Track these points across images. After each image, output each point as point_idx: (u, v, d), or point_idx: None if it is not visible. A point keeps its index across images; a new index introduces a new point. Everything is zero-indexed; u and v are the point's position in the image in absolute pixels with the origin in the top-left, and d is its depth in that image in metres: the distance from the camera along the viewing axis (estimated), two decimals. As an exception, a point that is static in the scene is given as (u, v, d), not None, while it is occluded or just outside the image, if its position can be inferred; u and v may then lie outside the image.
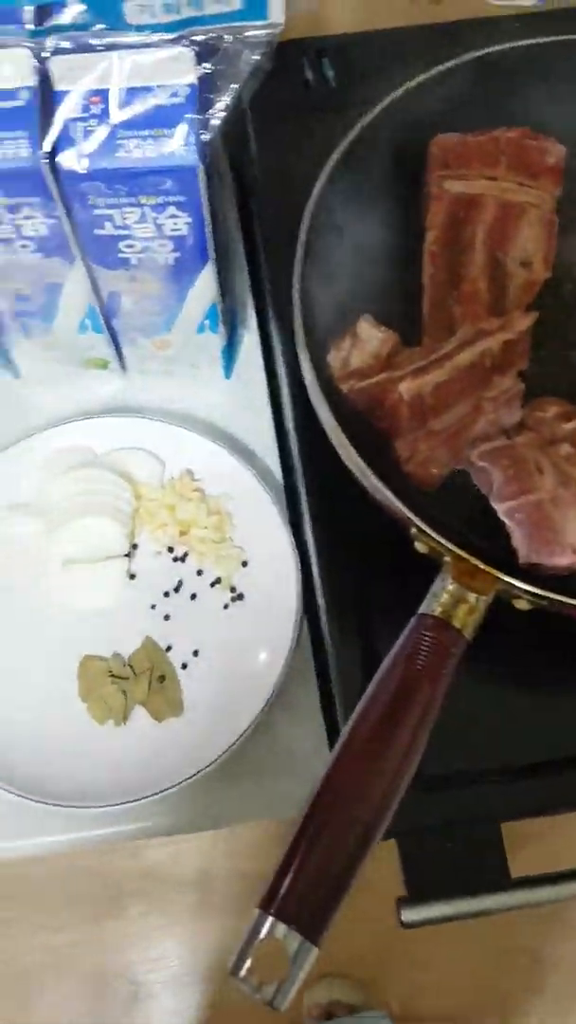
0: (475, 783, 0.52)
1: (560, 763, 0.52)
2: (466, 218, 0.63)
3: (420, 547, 0.47)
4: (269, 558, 0.65)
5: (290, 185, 0.62)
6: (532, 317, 0.55)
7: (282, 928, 0.38)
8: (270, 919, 0.38)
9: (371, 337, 0.53)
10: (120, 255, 0.57)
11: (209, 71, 0.49)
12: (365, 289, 0.57)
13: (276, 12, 0.48)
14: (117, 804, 0.57)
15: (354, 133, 0.56)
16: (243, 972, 0.38)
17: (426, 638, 0.44)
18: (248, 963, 0.38)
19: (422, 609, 0.45)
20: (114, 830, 0.60)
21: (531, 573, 0.49)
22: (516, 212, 0.63)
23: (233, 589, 0.66)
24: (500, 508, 0.50)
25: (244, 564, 0.67)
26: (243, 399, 0.75)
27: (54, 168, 0.50)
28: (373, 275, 0.57)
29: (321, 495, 0.58)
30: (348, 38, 0.77)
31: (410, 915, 0.50)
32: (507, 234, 0.63)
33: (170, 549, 0.68)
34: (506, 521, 0.50)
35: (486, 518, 0.51)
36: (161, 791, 0.57)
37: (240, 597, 0.66)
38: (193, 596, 0.66)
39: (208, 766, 0.58)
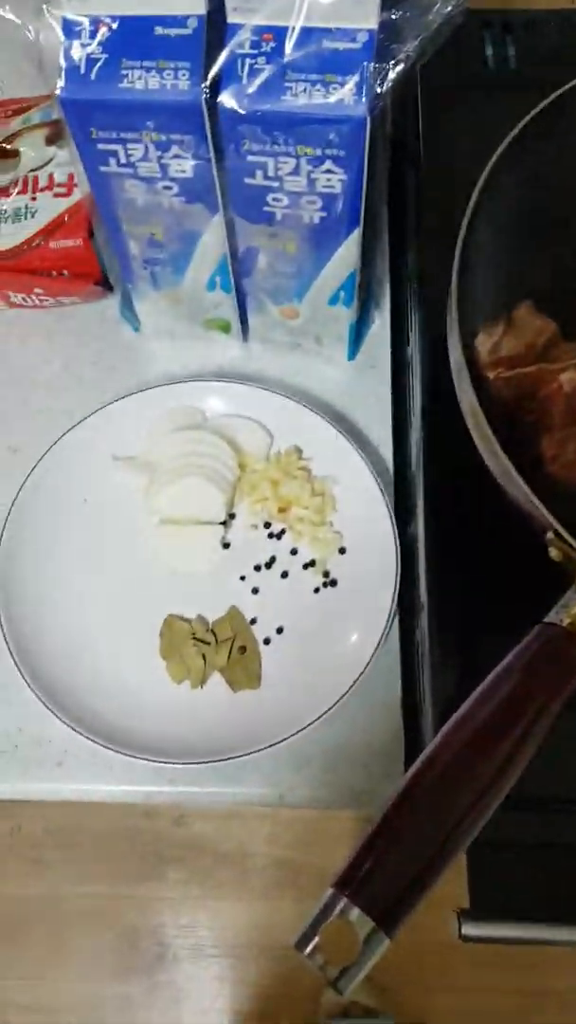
0: (558, 808, 0.48)
1: None
2: None
3: (554, 554, 0.43)
4: (369, 549, 0.62)
5: (454, 161, 0.59)
6: None
7: (356, 912, 0.36)
8: (344, 900, 0.36)
9: (528, 324, 0.49)
10: (266, 208, 0.55)
11: (393, 19, 0.45)
12: (528, 276, 0.52)
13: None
14: (183, 763, 0.55)
15: (535, 111, 0.52)
16: (309, 948, 0.36)
17: (547, 648, 0.40)
18: (316, 940, 0.36)
19: (548, 618, 0.41)
20: (179, 789, 0.59)
21: None
22: None
23: (327, 574, 0.63)
24: None
25: (342, 551, 0.64)
26: (365, 383, 0.72)
27: (213, 106, 0.47)
28: (540, 262, 0.53)
29: (441, 491, 0.55)
30: (538, 15, 0.73)
31: (469, 928, 0.47)
32: None
33: (267, 524, 0.65)
34: None
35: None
36: (226, 758, 0.55)
37: (333, 583, 0.63)
38: (284, 574, 0.64)
39: (277, 742, 0.55)
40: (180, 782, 0.58)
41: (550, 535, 0.41)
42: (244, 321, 0.70)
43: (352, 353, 0.72)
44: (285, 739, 0.55)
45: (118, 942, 1.45)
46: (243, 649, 0.60)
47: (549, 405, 0.46)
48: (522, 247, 0.51)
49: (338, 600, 0.62)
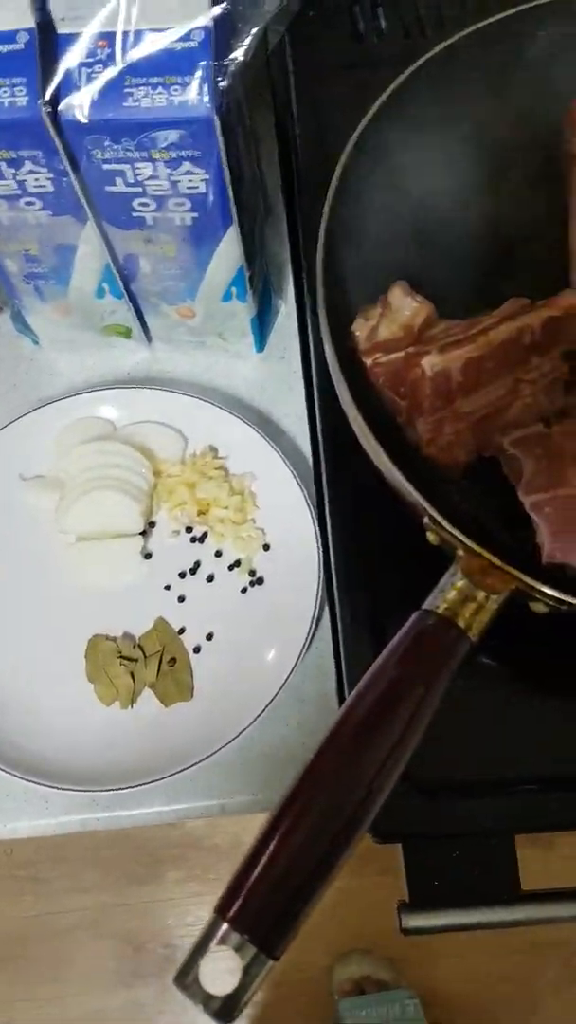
0: (488, 794, 0.48)
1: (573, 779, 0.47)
2: None
3: (432, 538, 0.43)
4: (292, 542, 0.62)
5: (330, 142, 0.57)
6: None
7: (236, 938, 0.35)
8: (225, 926, 0.35)
9: (403, 306, 0.48)
10: (135, 214, 0.53)
11: (227, 12, 0.44)
12: (402, 255, 0.52)
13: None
14: (116, 789, 0.55)
15: (395, 85, 0.51)
16: (188, 980, 0.35)
17: (424, 636, 0.40)
18: (196, 971, 0.35)
19: (426, 605, 0.41)
20: (116, 814, 0.58)
21: (553, 574, 0.44)
22: None
23: (252, 573, 0.63)
24: (527, 501, 0.45)
25: (266, 547, 0.64)
26: (275, 375, 0.71)
27: (56, 118, 0.46)
28: (412, 240, 0.52)
29: (341, 477, 0.55)
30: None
31: (411, 921, 0.47)
32: None
33: (188, 529, 0.65)
34: (532, 515, 0.45)
35: (512, 512, 0.46)
36: (162, 777, 0.55)
37: (259, 581, 0.63)
38: (210, 578, 0.63)
39: (212, 753, 0.55)
40: (118, 807, 0.58)
41: (426, 519, 0.41)
42: (144, 324, 0.69)
43: (259, 345, 0.71)
44: (220, 748, 0.55)
45: (122, 949, 1.45)
46: (173, 661, 0.60)
47: (417, 390, 0.46)
48: (391, 225, 0.50)
49: (266, 598, 0.62)
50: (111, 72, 0.45)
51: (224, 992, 0.35)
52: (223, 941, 0.35)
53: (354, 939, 1.46)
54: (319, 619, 0.59)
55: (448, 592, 0.40)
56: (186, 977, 0.35)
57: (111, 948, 1.46)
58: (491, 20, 0.58)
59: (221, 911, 0.35)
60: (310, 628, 0.58)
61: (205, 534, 0.64)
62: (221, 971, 0.36)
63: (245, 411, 0.68)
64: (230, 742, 0.55)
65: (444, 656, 0.39)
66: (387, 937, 1.39)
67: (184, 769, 0.55)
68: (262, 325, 0.70)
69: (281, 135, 0.73)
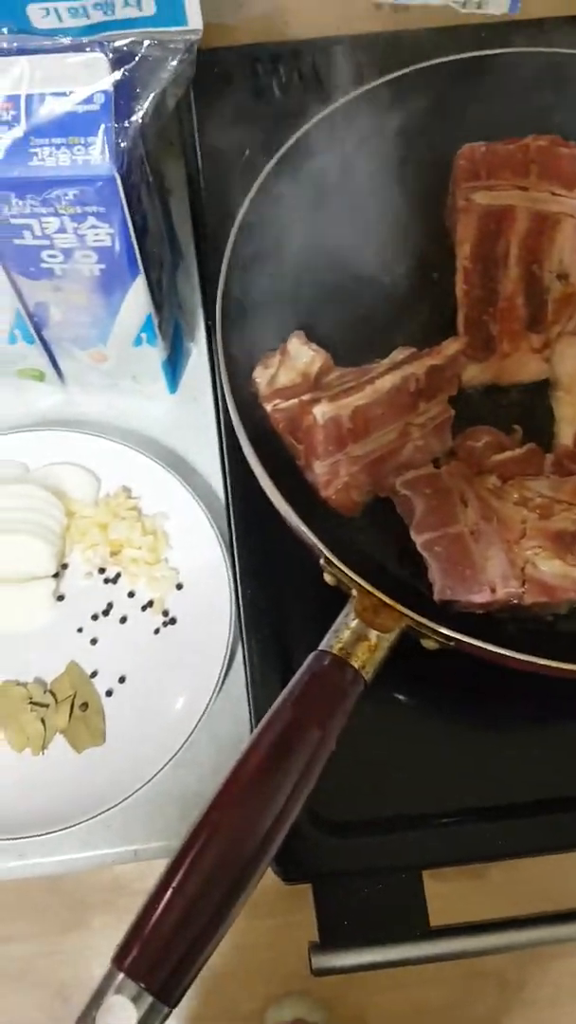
0: (395, 830, 0.49)
1: (478, 812, 0.49)
2: (498, 231, 0.61)
3: (329, 578, 0.44)
4: (205, 581, 0.63)
5: (232, 195, 0.60)
6: (461, 343, 0.53)
7: (133, 987, 0.35)
8: (121, 976, 0.36)
9: (300, 354, 0.50)
10: (43, 264, 0.55)
11: (126, 77, 0.46)
12: (301, 305, 0.54)
13: (194, 18, 0.45)
14: (28, 837, 0.54)
15: (291, 141, 0.54)
16: None
17: (318, 678, 0.41)
18: (93, 1022, 0.35)
19: (321, 646, 0.42)
20: (30, 862, 0.57)
21: (446, 611, 0.46)
22: (550, 223, 0.61)
23: (166, 613, 0.64)
24: (418, 540, 0.47)
25: (179, 587, 0.64)
26: (189, 415, 0.72)
27: (-36, 175, 0.47)
28: (310, 291, 0.55)
29: (249, 518, 0.56)
30: (306, 44, 0.75)
31: (321, 962, 0.47)
32: (542, 246, 0.61)
33: (101, 570, 0.65)
34: (424, 554, 0.47)
35: (409, 551, 0.49)
36: (74, 824, 0.55)
37: (173, 621, 0.63)
38: (123, 619, 0.64)
39: (126, 799, 0.55)
40: (31, 855, 0.57)
41: (322, 560, 0.43)
42: (57, 368, 0.70)
43: (172, 387, 0.73)
44: (133, 793, 0.55)
45: (45, 1000, 1.40)
46: (85, 706, 0.60)
47: (311, 436, 0.48)
48: (290, 278, 0.53)
49: (180, 638, 0.63)
50: (16, 132, 0.47)
51: None
52: (120, 991, 0.35)
53: (290, 979, 1.44)
54: (232, 659, 0.60)
55: (342, 632, 0.42)
56: None
57: (37, 999, 1.41)
58: (385, 79, 0.61)
59: (117, 961, 0.36)
60: (222, 668, 0.58)
61: (118, 575, 0.65)
62: (119, 1021, 0.36)
63: (159, 451, 0.69)
64: (143, 787, 0.55)
65: (338, 697, 0.40)
66: (320, 979, 1.38)
67: (97, 815, 0.55)
68: (174, 368, 0.71)
69: (191, 186, 0.76)
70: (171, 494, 0.65)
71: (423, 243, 0.61)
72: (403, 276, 0.59)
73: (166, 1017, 0.35)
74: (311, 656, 0.42)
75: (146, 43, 0.46)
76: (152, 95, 0.46)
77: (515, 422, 0.57)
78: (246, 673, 0.55)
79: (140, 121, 0.47)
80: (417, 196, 0.61)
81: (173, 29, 0.46)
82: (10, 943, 1.41)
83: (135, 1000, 0.35)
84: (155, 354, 0.67)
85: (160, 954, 0.36)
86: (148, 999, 0.35)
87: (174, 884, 0.36)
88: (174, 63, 0.46)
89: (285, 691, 0.41)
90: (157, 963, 0.36)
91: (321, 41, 0.75)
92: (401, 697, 0.53)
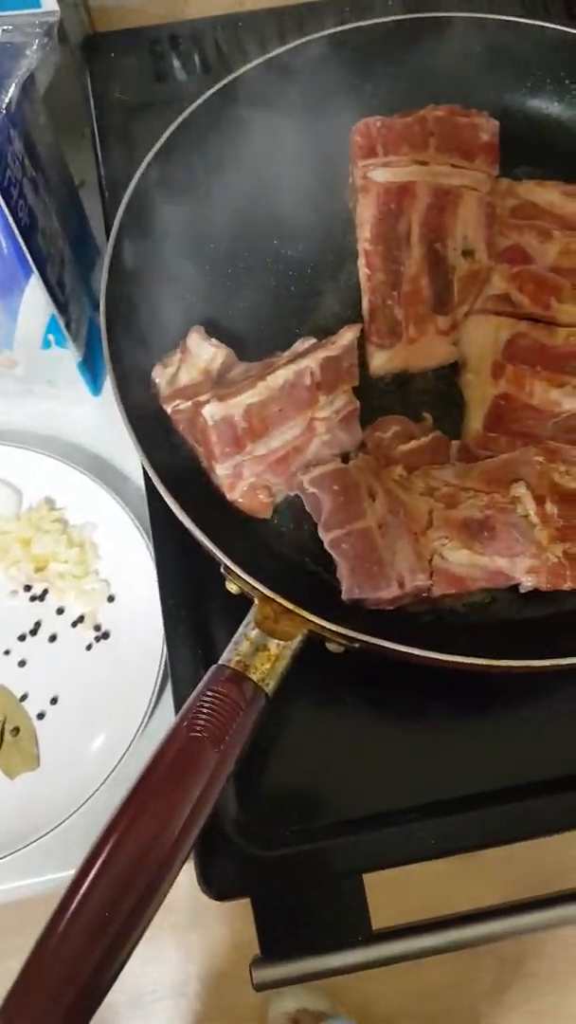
0: (331, 836, 0.47)
1: (413, 812, 0.47)
2: (399, 209, 0.58)
3: (231, 587, 0.42)
4: (137, 592, 0.60)
5: (128, 181, 0.57)
6: (355, 331, 0.50)
7: None
8: None
9: (201, 351, 0.47)
10: None
11: (-16, 65, 0.43)
12: (200, 301, 0.51)
13: (48, 0, 0.42)
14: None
15: (177, 122, 0.51)
16: None
17: (215, 696, 0.38)
18: None
19: (221, 659, 0.40)
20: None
21: (355, 611, 0.44)
22: (452, 197, 0.58)
23: (98, 627, 0.61)
24: (326, 539, 0.45)
25: (111, 599, 0.62)
26: (115, 417, 0.68)
27: None
28: (210, 284, 0.52)
29: (165, 524, 0.53)
30: (204, 23, 0.72)
31: (262, 975, 0.45)
32: (444, 223, 0.58)
33: (27, 587, 0.62)
34: (331, 552, 0.45)
35: (323, 550, 0.46)
36: (11, 852, 0.52)
37: (105, 635, 0.61)
38: (53, 638, 0.61)
39: (61, 823, 0.53)
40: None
41: (223, 568, 0.40)
42: (-31, 377, 0.67)
43: (95, 389, 0.70)
44: (70, 816, 0.53)
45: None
46: (16, 731, 0.57)
47: (206, 438, 0.45)
48: (185, 271, 0.50)
49: (113, 653, 0.60)
50: None
51: None
52: None
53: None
54: (168, 670, 0.57)
55: (241, 644, 0.39)
56: None
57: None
58: (281, 50, 0.58)
59: (4, 1014, 0.33)
60: (157, 681, 0.56)
61: (46, 591, 0.62)
62: None
63: (84, 458, 0.66)
64: (78, 809, 0.53)
65: (235, 714, 0.38)
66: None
67: (33, 842, 0.52)
68: (94, 370, 0.68)
69: (99, 177, 0.72)
70: (98, 503, 0.63)
71: (328, 225, 0.58)
72: (309, 263, 0.56)
73: None
74: (210, 671, 0.40)
75: (1, 29, 0.42)
76: (14, 84, 0.43)
77: (426, 409, 0.55)
78: (171, 685, 0.53)
79: (3, 112, 0.43)
80: (320, 176, 0.58)
81: (27, 12, 0.42)
82: (7, 959, 1.39)
83: None
84: (68, 356, 0.64)
85: (50, 1004, 0.34)
86: None
87: (61, 927, 0.34)
88: (34, 48, 0.43)
89: (182, 710, 0.39)
90: (46, 1013, 0.33)
91: (222, 19, 0.72)
92: (325, 699, 0.51)
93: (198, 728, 0.38)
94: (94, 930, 0.34)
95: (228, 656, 0.39)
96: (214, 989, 1.38)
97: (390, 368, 0.55)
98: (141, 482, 0.66)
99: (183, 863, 0.36)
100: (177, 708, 0.49)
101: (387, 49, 0.59)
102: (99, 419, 0.70)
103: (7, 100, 0.44)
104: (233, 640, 0.40)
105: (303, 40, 0.56)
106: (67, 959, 0.34)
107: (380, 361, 0.54)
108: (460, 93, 0.59)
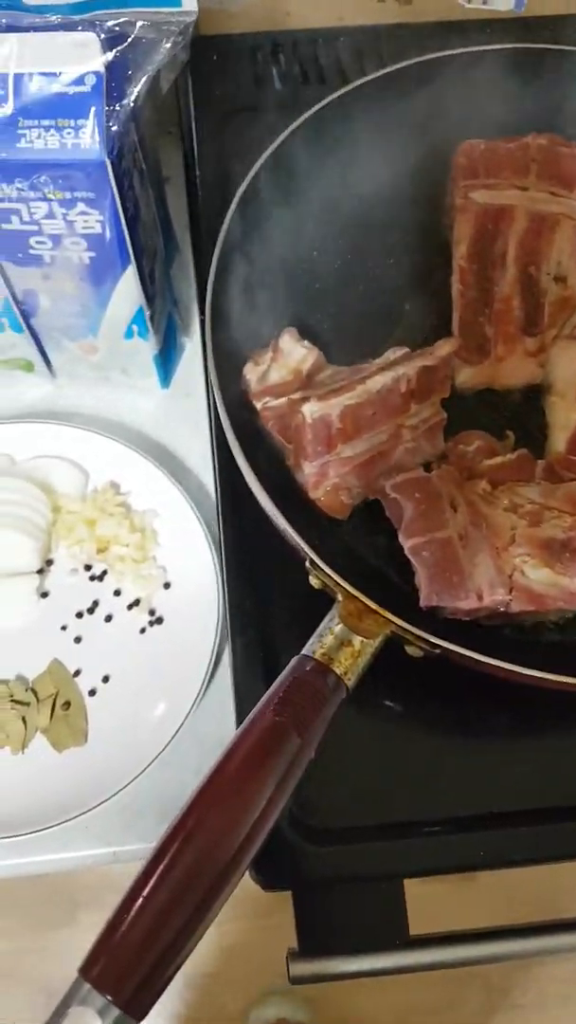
0: (376, 838, 0.48)
1: (462, 822, 0.48)
2: (496, 230, 0.60)
3: (314, 581, 0.43)
4: (192, 581, 0.61)
5: (228, 185, 0.58)
6: (454, 344, 0.52)
7: (99, 999, 0.34)
8: (87, 986, 0.34)
9: (293, 351, 0.49)
10: (32, 251, 0.53)
11: (119, 58, 0.45)
12: (294, 302, 0.52)
13: (189, 0, 0.44)
14: (5, 837, 0.53)
15: (286, 133, 0.53)
16: None
17: (300, 684, 0.39)
18: None
19: (304, 650, 0.41)
20: (6, 863, 0.56)
21: (432, 617, 0.45)
22: (549, 224, 0.60)
23: (152, 612, 0.62)
24: (406, 544, 0.46)
25: (166, 586, 0.63)
26: (181, 410, 0.71)
27: (-50, 156, 0.46)
28: (304, 288, 0.53)
29: (239, 517, 0.54)
30: (307, 34, 0.74)
31: (298, 969, 0.46)
32: (540, 247, 0.60)
33: (87, 567, 0.64)
34: (411, 559, 0.46)
35: (396, 556, 0.47)
36: (54, 824, 0.53)
37: (159, 621, 0.62)
38: (108, 618, 0.62)
39: (106, 800, 0.54)
40: (7, 855, 0.56)
41: (307, 563, 0.41)
42: (47, 358, 0.68)
43: (164, 382, 0.71)
44: (115, 795, 0.54)
45: (31, 996, 1.39)
46: (67, 705, 0.58)
47: (300, 435, 0.46)
48: (283, 273, 0.51)
49: (165, 637, 0.61)
50: (3, 112, 0.45)
51: None
52: (85, 1002, 0.34)
53: (275, 980, 1.43)
54: (218, 660, 0.59)
55: (326, 637, 0.40)
56: None
57: (23, 994, 1.39)
58: (385, 71, 0.60)
59: (84, 971, 0.34)
60: (208, 669, 0.57)
61: (105, 572, 0.64)
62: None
63: (149, 447, 0.67)
64: (123, 788, 0.54)
65: (319, 704, 0.39)
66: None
67: (76, 817, 0.53)
68: (166, 363, 0.70)
69: (188, 175, 0.74)
70: (161, 491, 0.64)
71: (421, 241, 0.60)
72: (399, 275, 0.58)
73: None
74: (294, 660, 0.41)
75: (139, 24, 0.44)
76: (145, 78, 0.45)
77: (508, 427, 0.56)
78: (232, 676, 0.54)
79: (132, 104, 0.45)
80: (416, 193, 0.59)
81: (167, 10, 0.44)
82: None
83: (101, 1013, 0.34)
84: (146, 347, 0.65)
85: (128, 965, 0.35)
86: (114, 1012, 0.34)
87: (145, 892, 0.35)
88: (168, 46, 0.45)
89: (266, 695, 0.40)
90: (125, 974, 0.35)
91: (323, 32, 0.74)
92: (386, 703, 0.52)
93: (282, 713, 0.39)
94: (175, 900, 0.35)
95: (312, 648, 0.41)
96: (198, 991, 1.38)
97: (475, 384, 0.56)
98: (202, 475, 0.68)
99: (259, 846, 0.37)
100: (238, 699, 0.50)
101: (493, 75, 0.60)
102: (166, 411, 0.71)
103: (136, 94, 0.45)
104: (317, 633, 0.41)
105: (420, 59, 0.57)
106: (148, 926, 0.35)
107: (466, 376, 0.55)
108: (570, 124, 0.60)
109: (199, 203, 0.66)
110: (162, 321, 0.67)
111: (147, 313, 0.61)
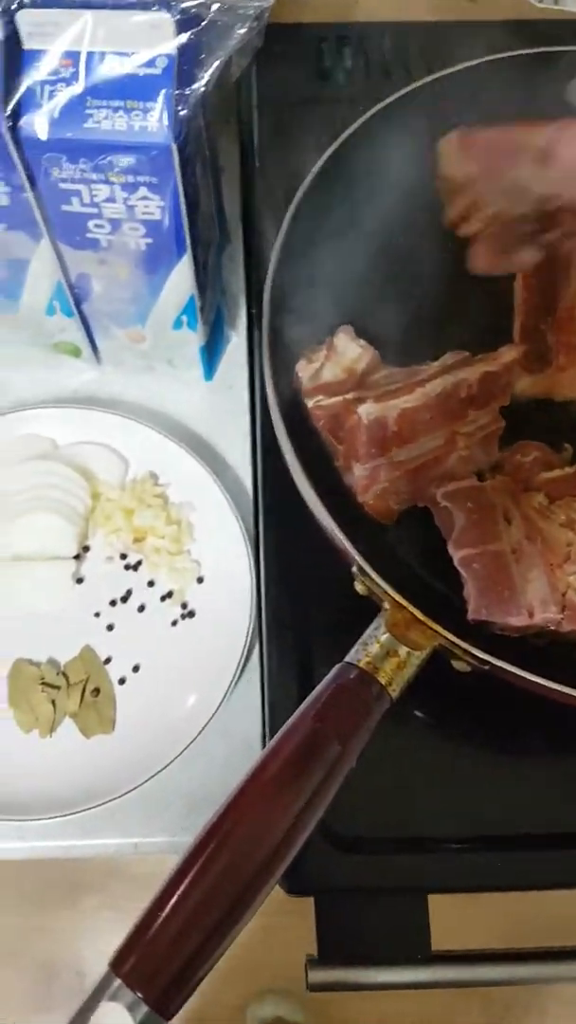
0: (403, 851, 0.47)
1: (491, 841, 0.47)
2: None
3: (360, 587, 0.42)
4: (226, 577, 0.61)
5: (288, 178, 0.57)
6: (519, 350, 0.50)
7: (129, 995, 0.33)
8: (118, 982, 0.34)
9: (347, 350, 0.48)
10: (89, 235, 0.53)
11: (192, 41, 0.44)
12: (350, 299, 0.51)
13: (267, -16, 0.43)
14: (27, 819, 0.53)
15: (352, 129, 0.52)
16: None
17: (343, 692, 0.39)
18: None
19: (348, 657, 0.40)
20: (25, 845, 0.56)
21: (480, 631, 0.44)
22: None
23: (184, 605, 0.62)
24: (456, 555, 0.45)
25: (200, 580, 0.62)
26: (222, 405, 0.70)
27: (15, 133, 0.45)
28: (361, 285, 0.52)
29: (278, 515, 0.54)
30: (373, 28, 0.72)
31: (317, 976, 0.45)
32: None
33: (123, 556, 0.63)
34: (461, 570, 0.45)
35: (445, 564, 0.46)
36: (76, 811, 0.53)
37: (191, 614, 0.62)
38: (141, 608, 0.62)
39: (131, 789, 0.53)
40: (31, 837, 0.55)
41: (354, 567, 0.41)
42: (94, 345, 0.68)
43: (208, 374, 0.70)
44: (140, 785, 0.53)
45: (31, 974, 1.40)
46: (96, 691, 0.58)
47: (353, 436, 0.45)
48: (341, 270, 0.50)
49: (197, 631, 0.61)
50: (73, 91, 0.45)
51: None
52: (115, 997, 0.33)
53: (273, 978, 1.42)
54: (248, 657, 0.58)
55: (371, 646, 0.39)
56: None
57: (22, 973, 1.40)
58: (454, 69, 0.59)
59: (115, 966, 0.34)
60: (238, 666, 0.56)
61: (140, 562, 0.63)
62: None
63: (190, 439, 0.67)
64: (149, 779, 0.54)
65: (362, 713, 0.38)
66: (303, 980, 1.37)
67: (101, 804, 0.53)
68: (212, 355, 0.69)
69: (244, 166, 0.73)
70: (199, 485, 0.63)
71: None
72: (459, 277, 0.57)
73: None
74: (337, 667, 0.40)
75: (215, 6, 0.43)
76: (217, 63, 0.44)
77: (566, 440, 0.54)
78: (262, 676, 0.53)
79: (202, 90, 0.44)
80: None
81: (245, -6, 0.43)
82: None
83: (131, 1009, 0.33)
84: (194, 339, 0.64)
85: (160, 963, 0.34)
86: (144, 1009, 0.33)
87: (179, 891, 0.34)
88: (242, 31, 0.44)
89: (308, 700, 0.39)
90: (156, 972, 0.34)
91: (391, 26, 0.72)
92: (422, 715, 0.51)
93: (325, 720, 0.38)
94: (208, 901, 0.34)
95: (356, 656, 0.40)
96: (199, 987, 1.38)
97: (533, 393, 0.55)
98: (241, 471, 0.67)
99: (295, 852, 0.37)
100: (270, 702, 0.49)
101: (565, 78, 0.59)
102: (208, 405, 0.70)
103: (206, 79, 0.44)
104: (361, 641, 0.40)
105: (487, 59, 0.56)
106: (180, 926, 0.34)
107: (525, 384, 0.54)
108: None
109: (255, 194, 0.65)
110: (211, 313, 0.66)
111: (198, 304, 0.60)
